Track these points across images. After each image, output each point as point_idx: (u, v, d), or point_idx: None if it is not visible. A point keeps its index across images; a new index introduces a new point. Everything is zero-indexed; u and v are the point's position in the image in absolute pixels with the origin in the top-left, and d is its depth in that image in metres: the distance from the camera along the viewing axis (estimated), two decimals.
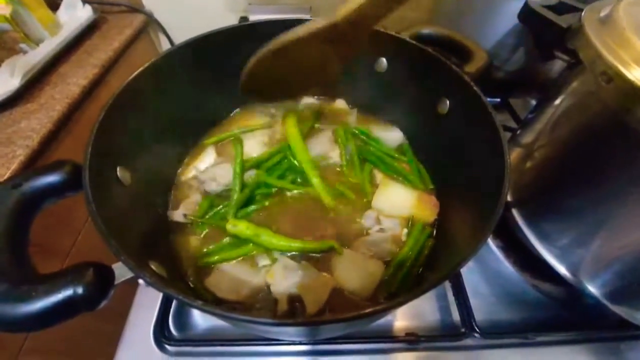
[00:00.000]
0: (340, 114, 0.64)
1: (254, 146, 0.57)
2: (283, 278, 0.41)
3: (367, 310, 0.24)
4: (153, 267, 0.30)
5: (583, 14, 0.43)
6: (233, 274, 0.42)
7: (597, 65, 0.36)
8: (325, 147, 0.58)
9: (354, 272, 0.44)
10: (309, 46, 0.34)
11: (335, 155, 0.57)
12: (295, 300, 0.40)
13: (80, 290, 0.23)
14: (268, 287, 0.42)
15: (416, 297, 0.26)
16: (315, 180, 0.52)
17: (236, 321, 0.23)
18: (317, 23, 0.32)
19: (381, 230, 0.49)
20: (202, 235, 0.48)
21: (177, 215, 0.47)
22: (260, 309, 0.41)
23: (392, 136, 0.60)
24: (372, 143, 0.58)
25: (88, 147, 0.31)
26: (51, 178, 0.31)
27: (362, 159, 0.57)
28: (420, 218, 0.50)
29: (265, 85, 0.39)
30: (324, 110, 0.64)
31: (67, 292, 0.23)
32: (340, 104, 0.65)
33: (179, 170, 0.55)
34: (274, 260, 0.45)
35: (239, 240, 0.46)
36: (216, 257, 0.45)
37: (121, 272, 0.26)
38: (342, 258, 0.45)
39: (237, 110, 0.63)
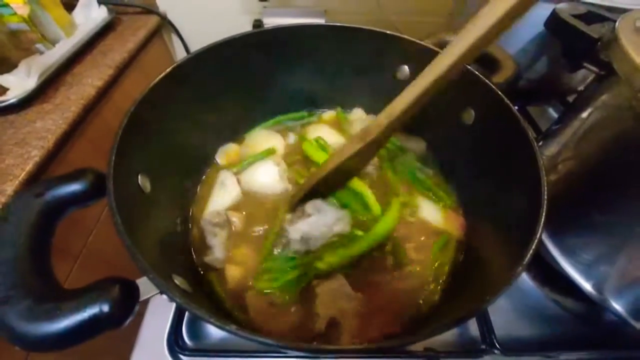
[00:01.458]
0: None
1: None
2: (333, 300, 0.40)
3: (388, 345, 0.23)
4: (177, 281, 0.30)
5: (617, 23, 0.41)
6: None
7: (636, 80, 0.35)
8: None
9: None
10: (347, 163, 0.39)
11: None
12: (334, 325, 0.39)
13: (106, 308, 0.22)
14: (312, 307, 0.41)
15: (441, 332, 0.25)
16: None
17: (268, 345, 0.22)
18: (355, 144, 0.37)
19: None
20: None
21: (217, 261, 0.44)
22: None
23: (414, 146, 0.59)
24: (399, 153, 0.57)
25: (111, 157, 0.31)
26: (74, 187, 0.30)
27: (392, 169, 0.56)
28: (448, 233, 0.50)
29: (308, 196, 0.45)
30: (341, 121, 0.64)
31: (93, 310, 0.22)
32: (357, 113, 0.65)
33: (196, 194, 0.52)
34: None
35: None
36: (275, 284, 0.43)
37: (146, 288, 0.25)
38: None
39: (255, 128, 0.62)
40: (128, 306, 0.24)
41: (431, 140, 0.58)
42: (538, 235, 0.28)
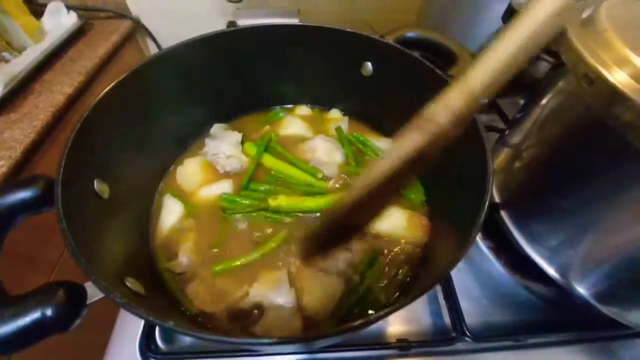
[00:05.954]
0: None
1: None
2: (268, 288, 0.41)
3: (348, 327, 0.24)
4: (129, 284, 0.30)
5: None
6: (215, 285, 0.42)
7: (579, 68, 0.36)
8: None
9: (315, 291, 0.43)
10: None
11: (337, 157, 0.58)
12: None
13: (49, 312, 0.22)
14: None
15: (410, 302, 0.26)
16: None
17: (209, 341, 0.22)
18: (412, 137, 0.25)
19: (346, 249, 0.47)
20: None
21: (179, 265, 0.45)
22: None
23: (384, 146, 0.59)
24: (368, 152, 0.58)
25: (62, 160, 0.30)
26: (23, 194, 0.30)
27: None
28: (411, 239, 0.50)
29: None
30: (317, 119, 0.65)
31: (35, 315, 0.22)
32: (334, 113, 0.65)
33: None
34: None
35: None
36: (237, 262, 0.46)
37: (95, 290, 0.25)
38: (305, 274, 0.45)
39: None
40: (73, 310, 0.24)
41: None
42: (480, 221, 0.30)
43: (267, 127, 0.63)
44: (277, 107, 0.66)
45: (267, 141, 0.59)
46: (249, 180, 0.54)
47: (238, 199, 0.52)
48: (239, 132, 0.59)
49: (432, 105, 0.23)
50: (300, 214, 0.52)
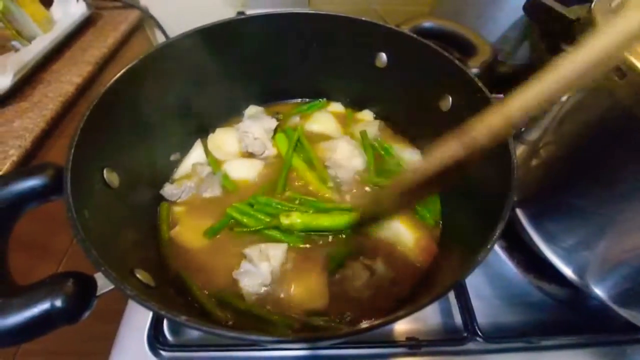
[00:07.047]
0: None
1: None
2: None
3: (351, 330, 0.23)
4: (139, 275, 0.29)
5: (593, 4, 0.40)
6: None
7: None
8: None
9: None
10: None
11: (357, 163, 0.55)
12: None
13: (58, 303, 0.22)
14: None
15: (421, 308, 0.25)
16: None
17: (220, 337, 0.22)
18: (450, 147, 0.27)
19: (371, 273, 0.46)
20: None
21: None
22: None
23: (411, 157, 0.57)
24: (390, 161, 0.56)
25: (71, 149, 0.30)
26: (32, 182, 0.29)
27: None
28: (413, 261, 0.48)
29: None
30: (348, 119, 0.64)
31: (44, 306, 0.21)
32: (366, 114, 0.64)
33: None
34: None
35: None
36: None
37: (105, 282, 0.25)
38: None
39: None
40: (83, 301, 0.23)
41: (410, 129, 0.57)
42: (507, 211, 0.28)
43: (298, 118, 0.62)
44: (310, 100, 0.66)
45: (295, 141, 0.57)
46: (283, 187, 0.53)
47: (249, 211, 0.49)
48: (276, 118, 0.60)
49: (473, 123, 0.25)
50: (313, 234, 0.49)
